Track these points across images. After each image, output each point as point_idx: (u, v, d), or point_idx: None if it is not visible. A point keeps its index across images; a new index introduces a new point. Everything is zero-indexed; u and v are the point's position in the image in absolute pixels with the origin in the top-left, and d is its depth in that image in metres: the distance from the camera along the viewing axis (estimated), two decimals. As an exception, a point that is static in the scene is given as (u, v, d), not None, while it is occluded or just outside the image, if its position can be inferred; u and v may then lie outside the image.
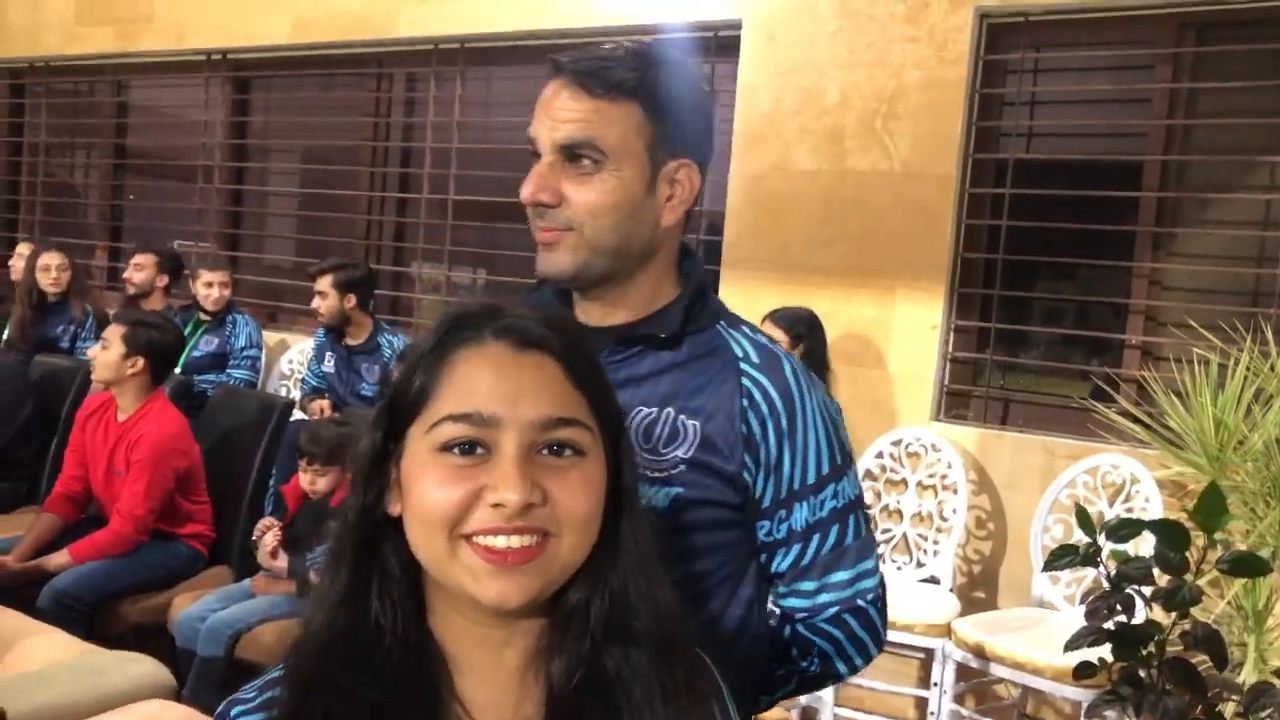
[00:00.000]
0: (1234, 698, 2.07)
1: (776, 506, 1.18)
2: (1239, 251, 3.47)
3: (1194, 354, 3.11)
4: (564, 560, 0.79)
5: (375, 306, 4.56)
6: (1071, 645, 2.08)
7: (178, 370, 4.28)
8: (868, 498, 3.61)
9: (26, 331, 4.74)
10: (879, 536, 3.63)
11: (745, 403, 1.16)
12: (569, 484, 0.78)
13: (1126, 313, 3.52)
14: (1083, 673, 2.11)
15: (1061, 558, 2.04)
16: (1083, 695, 2.78)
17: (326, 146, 5.49)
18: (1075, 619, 3.13)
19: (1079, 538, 3.14)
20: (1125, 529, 2.04)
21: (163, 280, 4.96)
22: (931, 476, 3.58)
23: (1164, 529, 2.01)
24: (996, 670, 2.97)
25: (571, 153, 1.13)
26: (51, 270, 4.72)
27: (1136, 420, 3.15)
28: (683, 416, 1.16)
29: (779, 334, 3.49)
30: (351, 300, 4.24)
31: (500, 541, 0.76)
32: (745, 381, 1.16)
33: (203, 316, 4.76)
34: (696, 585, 1.16)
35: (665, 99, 1.15)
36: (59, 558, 3.13)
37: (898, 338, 3.71)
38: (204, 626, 2.91)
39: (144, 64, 5.86)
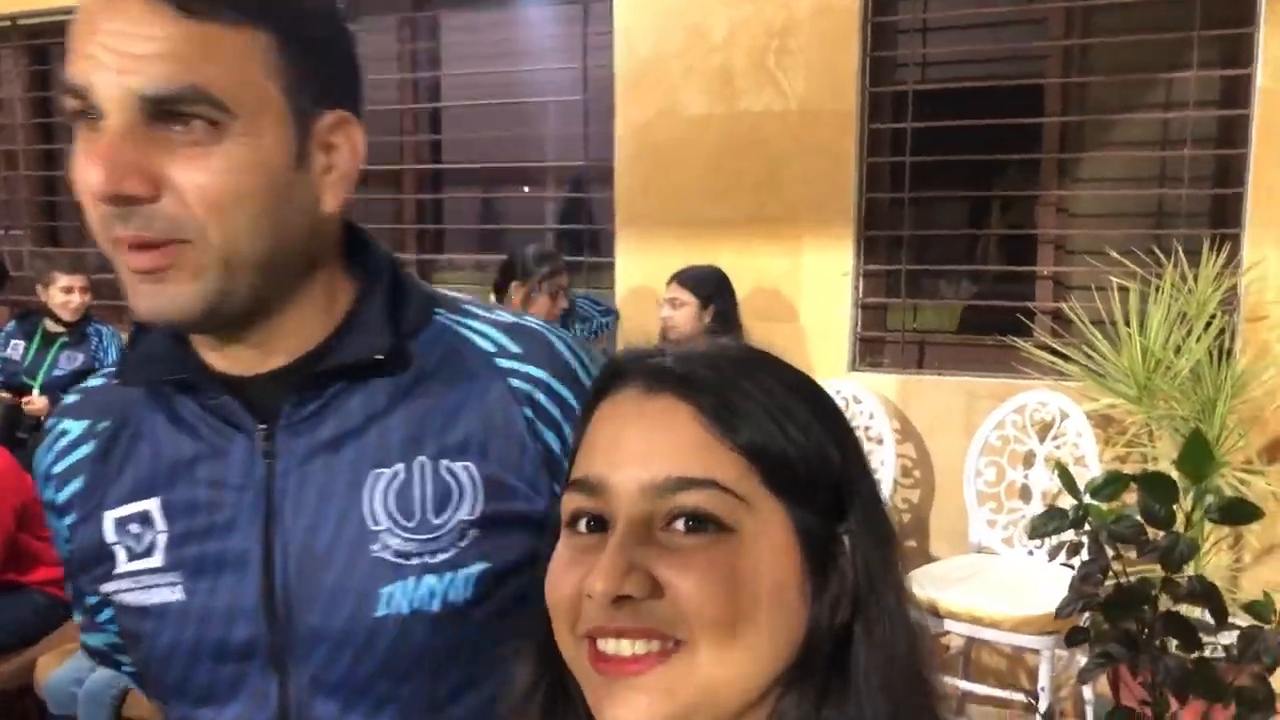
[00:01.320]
0: (1224, 644, 1.99)
1: None
2: (1143, 173, 3.42)
3: (1112, 282, 3.05)
4: (705, 677, 0.59)
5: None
6: (1064, 611, 1.95)
7: (36, 393, 3.84)
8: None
9: None
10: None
11: (529, 412, 0.83)
12: (692, 570, 0.59)
13: (1036, 243, 3.44)
14: (1076, 638, 1.99)
15: (1049, 522, 1.90)
16: (1040, 643, 2.70)
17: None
18: (1018, 562, 3.07)
19: (1024, 483, 3.13)
20: (1110, 486, 1.91)
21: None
22: (855, 429, 3.45)
23: (1150, 482, 1.89)
24: (949, 625, 2.87)
25: (170, 109, 0.71)
26: None
27: (1056, 354, 3.08)
28: (445, 462, 0.81)
29: (687, 297, 3.28)
30: None
31: (610, 646, 0.60)
32: (516, 383, 0.84)
33: (54, 328, 4.16)
34: None
35: (299, 19, 0.77)
36: (50, 654, 2.70)
37: (808, 288, 3.54)
38: (81, 691, 2.53)
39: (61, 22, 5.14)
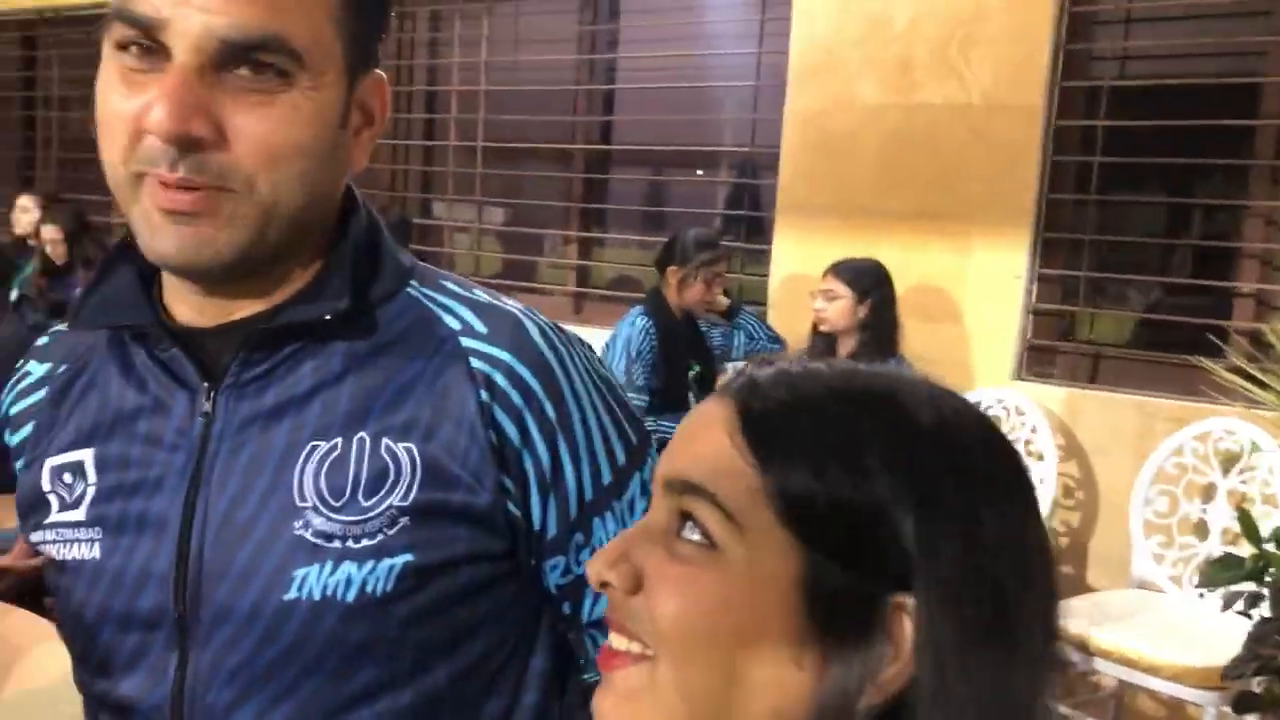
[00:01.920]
0: None
1: (570, 531, 0.80)
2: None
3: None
4: (666, 697, 0.54)
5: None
6: (1234, 671, 1.75)
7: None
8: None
9: (45, 294, 4.54)
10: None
11: (484, 395, 0.77)
12: (667, 577, 0.56)
13: (1238, 257, 3.14)
14: (1245, 705, 1.79)
15: (1223, 571, 1.71)
16: (1204, 698, 2.46)
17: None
18: (1186, 605, 2.81)
19: (1200, 518, 2.85)
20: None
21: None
22: (1014, 441, 3.24)
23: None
24: (1099, 664, 2.66)
25: (247, 56, 0.69)
26: (52, 243, 4.53)
27: (1252, 379, 2.80)
28: (387, 440, 0.76)
29: (843, 290, 3.14)
30: None
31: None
32: (476, 363, 0.77)
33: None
34: (464, 686, 0.79)
35: None
36: None
37: (975, 289, 3.35)
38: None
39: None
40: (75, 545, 0.80)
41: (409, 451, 0.75)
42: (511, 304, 0.84)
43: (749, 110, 3.84)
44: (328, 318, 0.76)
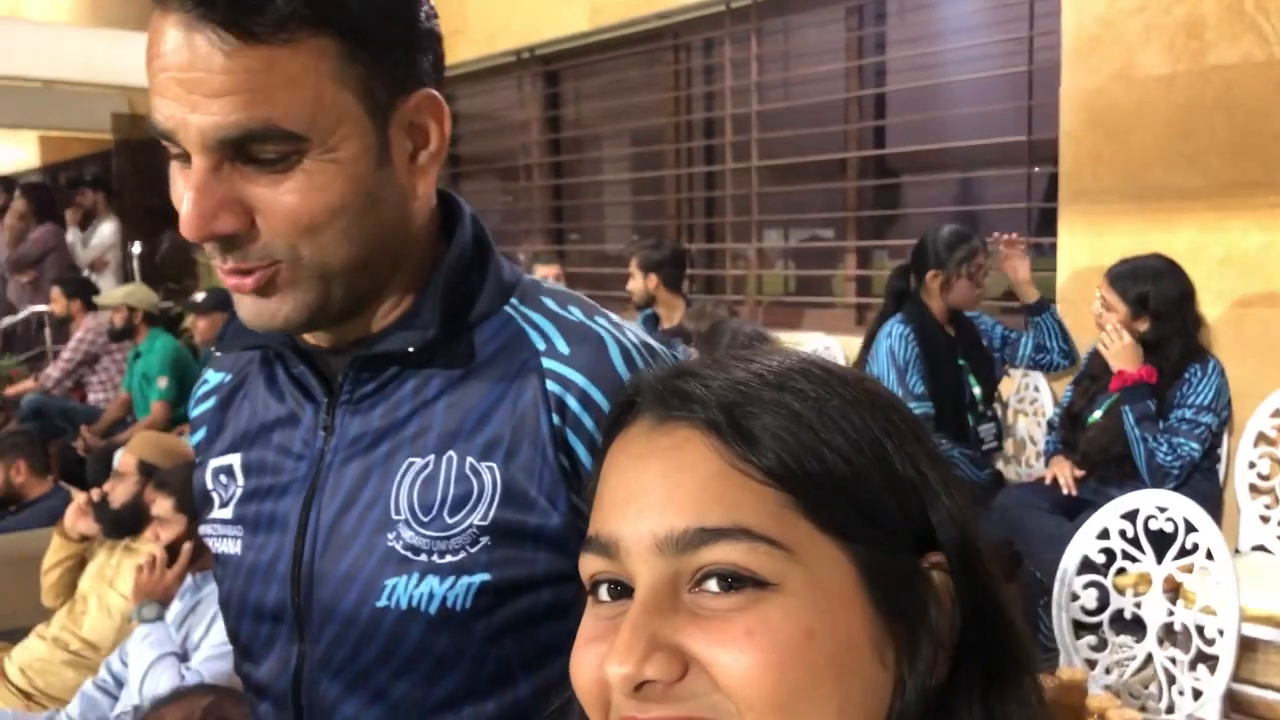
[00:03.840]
0: None
1: None
2: None
3: None
4: None
5: (692, 286, 4.44)
6: None
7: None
8: (1263, 466, 2.95)
9: None
10: (1279, 514, 2.96)
11: (556, 419, 0.77)
12: (729, 643, 0.48)
13: None
14: None
15: None
16: None
17: (636, 128, 5.45)
18: None
19: None
20: None
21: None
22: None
23: None
24: None
25: (246, 149, 0.72)
26: None
27: None
28: (471, 460, 0.78)
29: (1114, 300, 2.91)
30: (654, 280, 4.16)
31: None
32: (551, 386, 0.78)
33: None
34: (546, 702, 0.73)
35: (363, 12, 0.73)
36: None
37: (1294, 266, 2.99)
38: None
39: (464, 74, 6.14)
40: (225, 540, 0.89)
41: (491, 471, 0.78)
42: (603, 322, 0.84)
43: (1023, 98, 3.66)
44: (410, 349, 0.80)
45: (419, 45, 0.78)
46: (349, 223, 0.75)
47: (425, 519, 0.79)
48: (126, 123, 7.78)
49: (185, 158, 0.74)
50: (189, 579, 2.46)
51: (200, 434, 0.96)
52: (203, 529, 0.93)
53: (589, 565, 0.54)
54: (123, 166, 7.95)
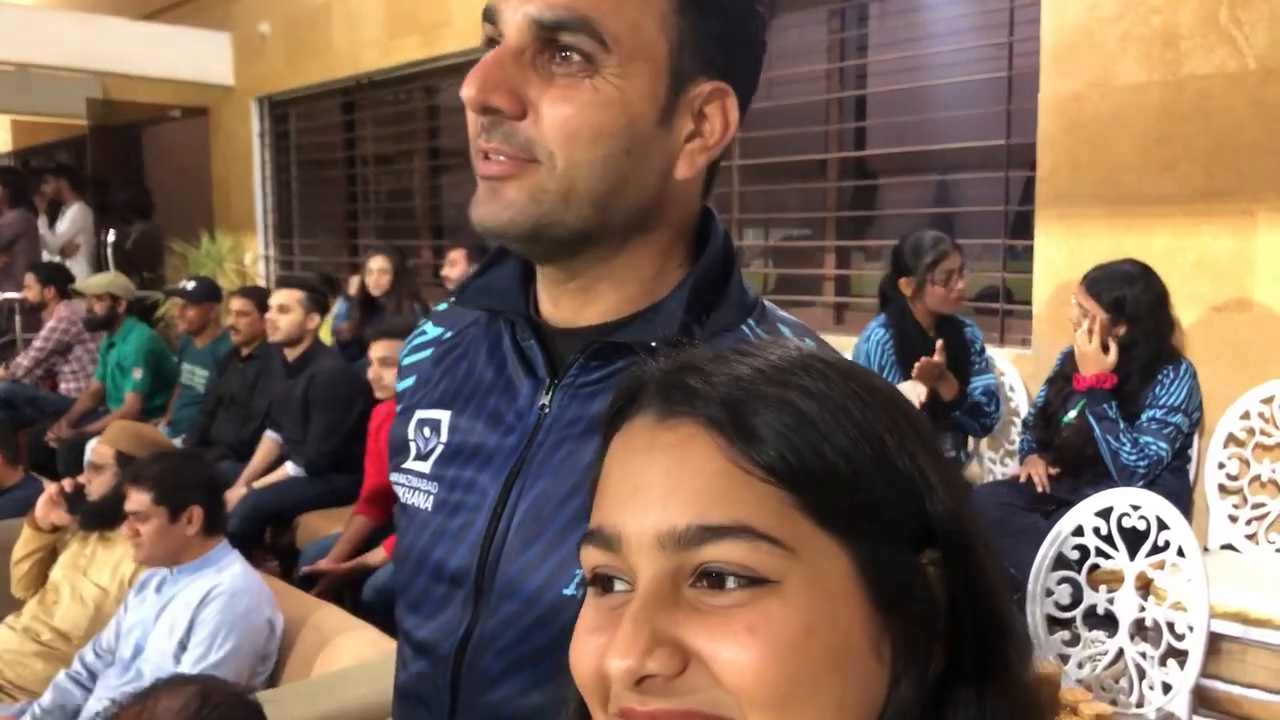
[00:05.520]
0: None
1: None
2: None
3: None
4: None
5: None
6: None
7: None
8: (1232, 467, 3.01)
9: (358, 331, 5.10)
10: (1247, 513, 3.02)
11: None
12: (730, 639, 0.49)
13: None
14: None
15: None
16: None
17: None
18: None
19: None
20: None
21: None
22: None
23: None
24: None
25: (554, 39, 0.74)
26: (374, 272, 5.01)
27: None
28: None
29: (1090, 305, 2.95)
30: None
31: None
32: None
33: None
34: None
35: None
36: (377, 554, 3.29)
37: (1263, 271, 3.05)
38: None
39: (447, 66, 6.12)
40: (416, 493, 0.88)
41: None
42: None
43: (1003, 103, 3.71)
44: (654, 344, 0.79)
45: (740, 40, 0.80)
46: (608, 154, 0.76)
47: None
48: (100, 108, 7.71)
49: (494, 45, 0.77)
50: (164, 571, 2.46)
51: (409, 381, 0.95)
52: (394, 475, 0.92)
53: (591, 558, 0.55)
54: (96, 153, 7.87)
